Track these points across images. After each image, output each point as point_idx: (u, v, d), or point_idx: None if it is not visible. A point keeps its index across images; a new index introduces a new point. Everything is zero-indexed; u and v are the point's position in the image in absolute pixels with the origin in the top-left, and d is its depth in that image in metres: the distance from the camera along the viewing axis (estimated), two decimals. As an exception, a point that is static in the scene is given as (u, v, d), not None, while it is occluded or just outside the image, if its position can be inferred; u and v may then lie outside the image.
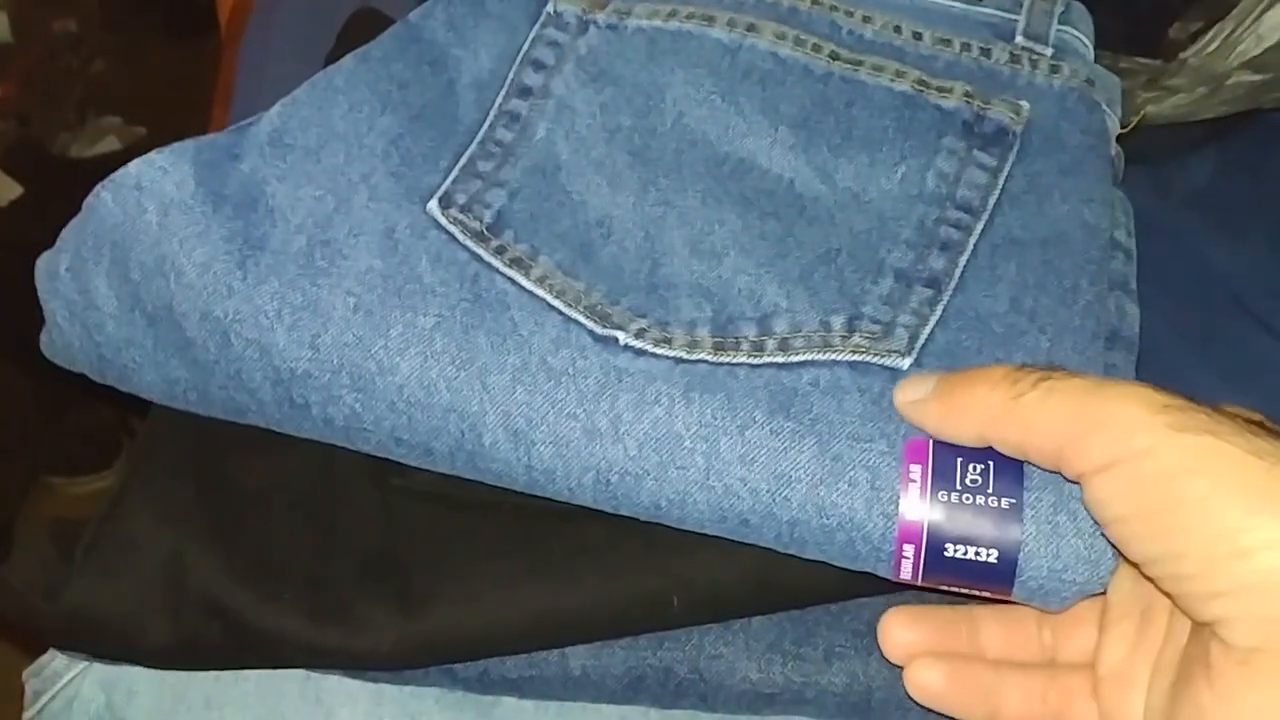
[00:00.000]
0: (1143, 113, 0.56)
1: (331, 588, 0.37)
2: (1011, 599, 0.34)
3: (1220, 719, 0.29)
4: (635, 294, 0.38)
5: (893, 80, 0.43)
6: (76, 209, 0.39)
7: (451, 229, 0.39)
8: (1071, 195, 0.41)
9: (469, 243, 0.38)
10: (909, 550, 0.33)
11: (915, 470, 0.33)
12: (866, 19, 0.45)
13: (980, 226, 0.40)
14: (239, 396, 0.37)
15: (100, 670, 0.40)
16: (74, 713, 0.40)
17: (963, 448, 0.33)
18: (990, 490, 0.33)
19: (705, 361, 0.36)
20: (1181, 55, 0.56)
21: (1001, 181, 0.41)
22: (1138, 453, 0.29)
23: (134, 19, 1.34)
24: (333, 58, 0.45)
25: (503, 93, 0.43)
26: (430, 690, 0.40)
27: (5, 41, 1.23)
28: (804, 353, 0.36)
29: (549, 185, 0.41)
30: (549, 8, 0.45)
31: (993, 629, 0.36)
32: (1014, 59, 0.45)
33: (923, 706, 0.35)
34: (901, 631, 0.36)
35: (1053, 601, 0.34)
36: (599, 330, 0.36)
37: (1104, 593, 0.34)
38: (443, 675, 0.39)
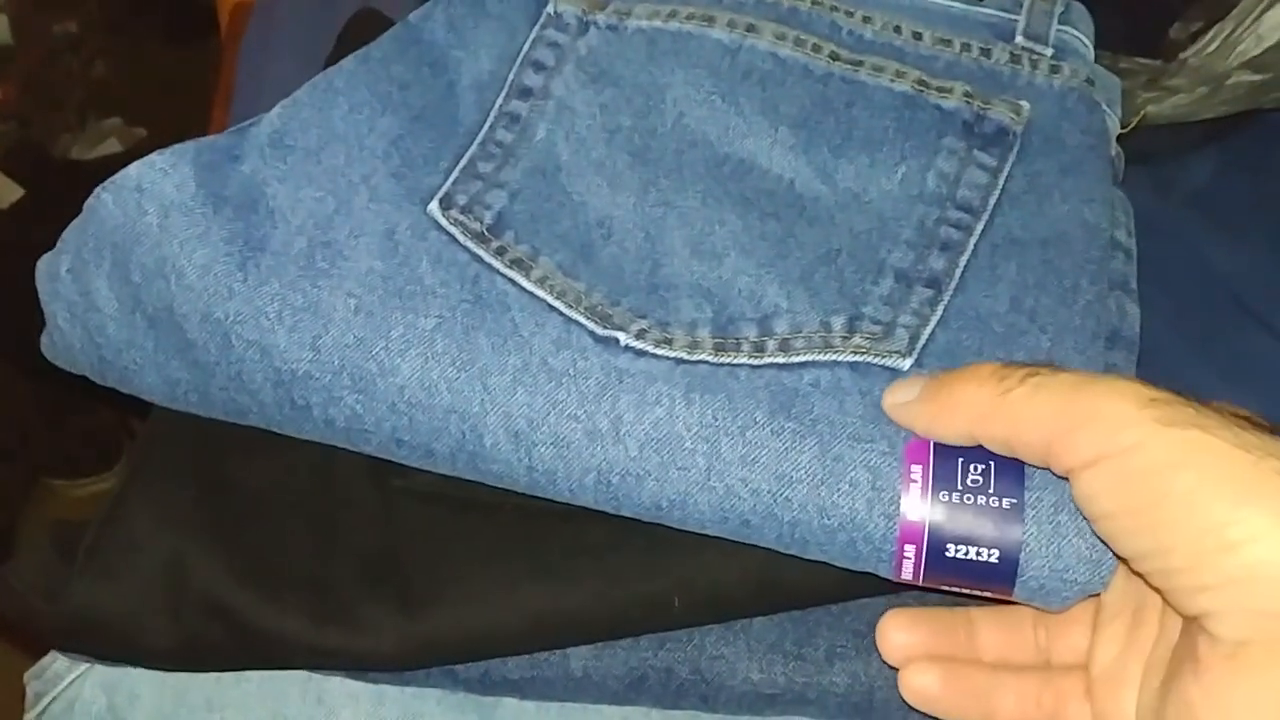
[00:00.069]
0: (1143, 113, 0.56)
1: (333, 589, 0.37)
2: (1013, 599, 0.34)
3: (1209, 713, 0.29)
4: (636, 295, 0.38)
5: (893, 80, 0.43)
6: (77, 211, 0.39)
7: (452, 230, 0.39)
8: (1072, 195, 0.41)
9: (469, 244, 0.38)
10: (910, 550, 0.33)
11: (916, 471, 0.33)
12: (866, 19, 0.45)
13: (980, 227, 0.40)
14: (240, 398, 0.37)
15: (102, 672, 0.40)
16: (76, 714, 0.40)
17: (964, 448, 0.34)
18: (991, 490, 0.33)
19: (706, 362, 0.36)
20: (1181, 55, 0.56)
21: (1002, 181, 0.41)
22: (1125, 448, 0.29)
23: (134, 21, 1.34)
24: (333, 59, 0.45)
25: (503, 94, 0.43)
26: (432, 691, 0.40)
27: (5, 43, 1.23)
28: (805, 353, 0.36)
29: (549, 186, 0.41)
30: (549, 9, 0.45)
31: (989, 631, 0.36)
32: (1014, 59, 0.45)
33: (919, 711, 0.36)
34: (899, 634, 0.36)
35: (1054, 601, 0.34)
36: (600, 331, 0.36)
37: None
38: (444, 676, 0.39)
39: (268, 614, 0.37)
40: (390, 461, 0.37)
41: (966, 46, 0.45)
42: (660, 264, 0.39)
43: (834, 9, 0.45)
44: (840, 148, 0.42)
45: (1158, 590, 0.31)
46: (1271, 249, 0.56)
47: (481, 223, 0.39)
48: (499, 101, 0.43)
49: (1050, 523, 0.33)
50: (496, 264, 0.38)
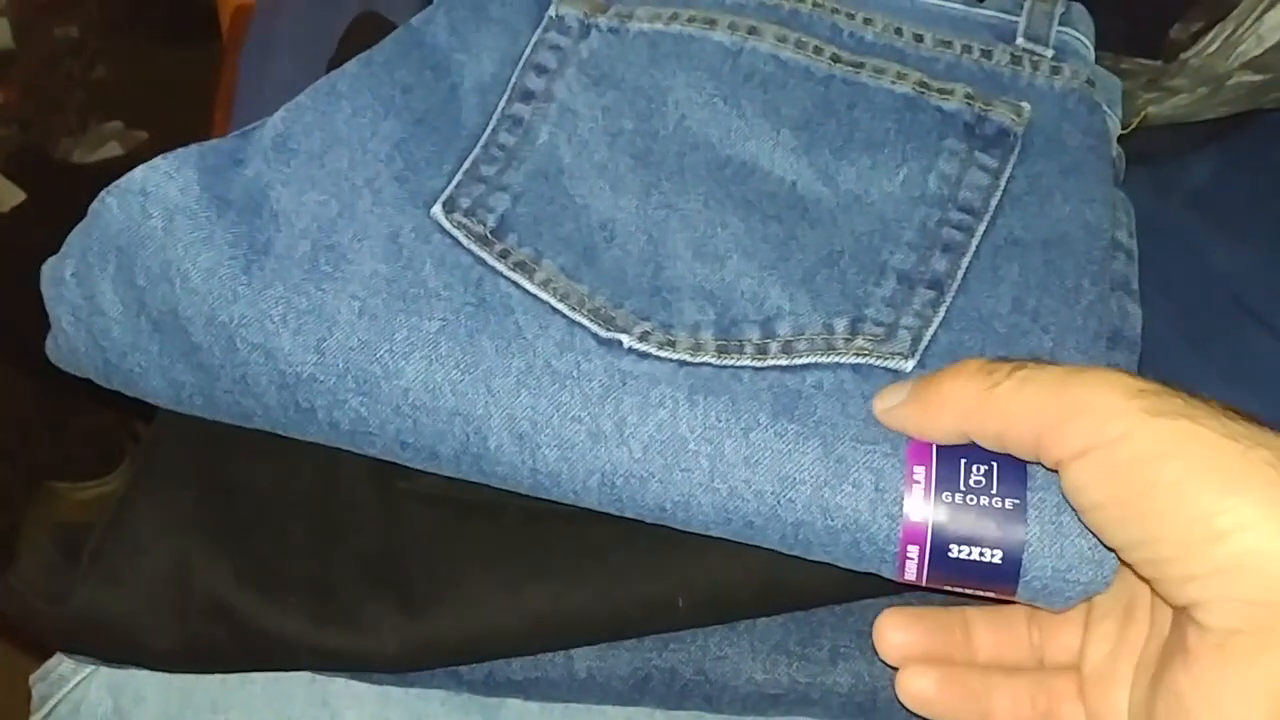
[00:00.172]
0: (1144, 113, 0.57)
1: (336, 590, 0.38)
2: (1016, 600, 0.34)
3: (1198, 704, 0.29)
4: (639, 297, 0.38)
5: (894, 82, 0.43)
6: (79, 214, 0.39)
7: (455, 233, 0.39)
8: (1073, 196, 0.41)
9: (473, 247, 0.38)
10: (913, 551, 0.33)
11: (919, 471, 0.33)
12: (867, 21, 0.45)
13: (982, 228, 0.40)
14: (244, 400, 0.37)
15: (107, 674, 0.41)
16: (81, 717, 0.40)
17: (966, 449, 0.34)
18: (994, 491, 0.33)
19: (709, 364, 0.36)
20: (1182, 56, 0.56)
21: (1003, 183, 0.41)
22: (1113, 438, 0.30)
23: (135, 24, 1.34)
24: (335, 63, 0.45)
25: (505, 97, 0.43)
26: (436, 692, 0.40)
27: (7, 47, 1.23)
28: (807, 355, 0.36)
29: (552, 189, 0.41)
30: (551, 11, 0.45)
31: (985, 630, 0.36)
32: (1015, 60, 0.45)
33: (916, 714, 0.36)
34: (896, 633, 0.36)
35: (1057, 602, 0.34)
36: (603, 333, 0.36)
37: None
38: (448, 677, 0.39)
39: (272, 615, 0.37)
40: (394, 464, 0.37)
41: (967, 48, 0.45)
42: (663, 266, 0.39)
43: (835, 11, 0.46)
44: (842, 150, 0.42)
45: (1147, 581, 0.31)
46: (1271, 249, 0.56)
47: (485, 226, 0.39)
48: (501, 104, 0.43)
49: (1053, 523, 0.33)
50: (500, 267, 0.38)
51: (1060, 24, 0.46)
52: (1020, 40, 0.45)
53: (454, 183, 0.40)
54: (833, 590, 0.37)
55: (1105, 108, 0.45)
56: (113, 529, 0.39)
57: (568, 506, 0.36)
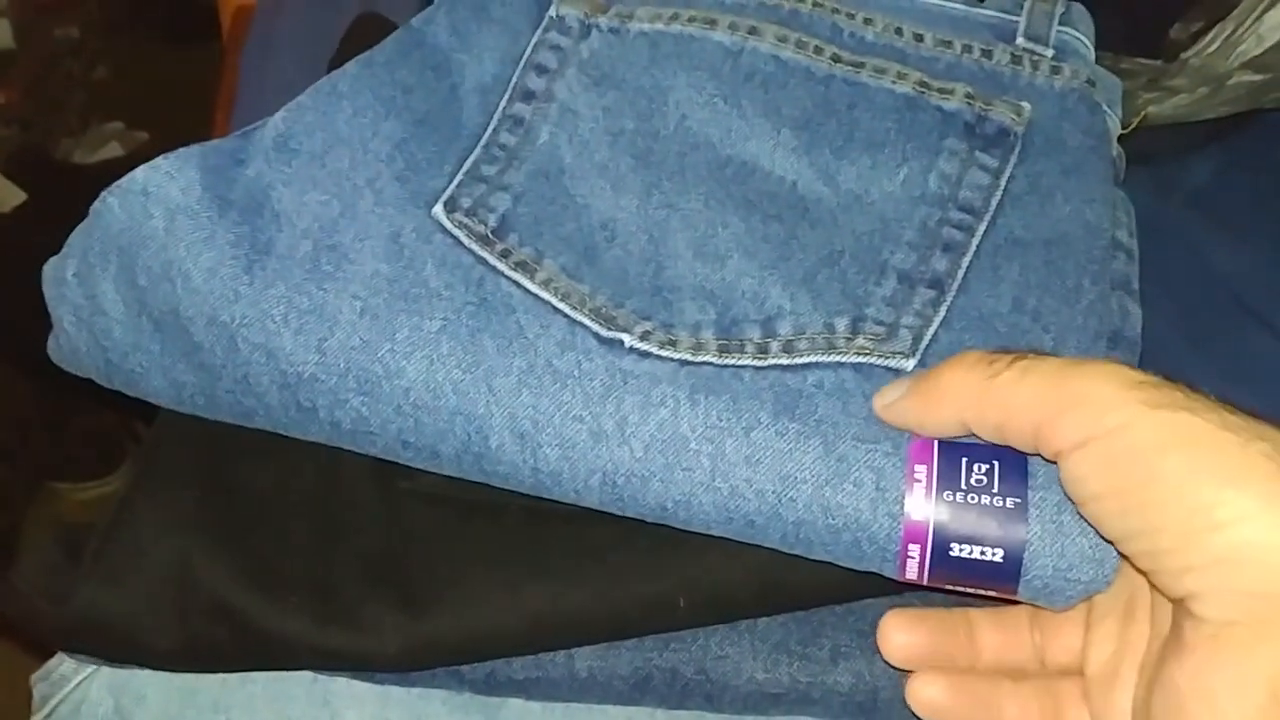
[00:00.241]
0: (1144, 113, 0.57)
1: (337, 590, 0.38)
2: (1017, 599, 0.34)
3: (1193, 697, 0.29)
4: (640, 297, 0.38)
5: (894, 82, 0.43)
6: (79, 215, 0.39)
7: (456, 233, 0.39)
8: (1073, 196, 0.41)
9: (474, 246, 0.38)
10: (914, 550, 0.33)
11: (920, 470, 0.34)
12: (868, 21, 0.45)
13: (983, 227, 0.40)
14: (246, 400, 0.37)
15: (108, 674, 0.41)
16: (82, 716, 0.40)
17: (967, 447, 0.34)
18: (995, 490, 0.33)
19: (710, 364, 0.36)
20: (1182, 56, 0.56)
21: (1003, 182, 0.41)
22: (1112, 429, 0.30)
23: (136, 24, 1.34)
24: (336, 63, 0.45)
25: (506, 97, 0.43)
26: (437, 692, 0.40)
27: (7, 47, 1.23)
28: (808, 355, 0.36)
29: (553, 189, 0.41)
30: (551, 12, 0.45)
31: (988, 631, 0.36)
32: (1015, 60, 0.45)
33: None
34: (900, 634, 0.36)
35: (1058, 601, 0.34)
36: (604, 333, 0.36)
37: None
38: (449, 677, 0.39)
39: (272, 615, 0.37)
40: (395, 463, 0.37)
41: (968, 48, 0.45)
42: (664, 266, 0.39)
43: (835, 11, 0.46)
44: (842, 149, 0.42)
45: (1144, 573, 0.31)
46: (1272, 249, 0.56)
47: (486, 225, 0.39)
48: (502, 104, 0.43)
49: (1054, 522, 0.33)
50: (501, 266, 0.38)
51: (1060, 24, 0.46)
52: (1020, 40, 0.45)
53: (455, 183, 0.40)
54: (834, 590, 0.37)
55: (1105, 107, 0.45)
56: (114, 529, 0.39)
57: (569, 506, 0.36)
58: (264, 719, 0.39)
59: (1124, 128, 0.46)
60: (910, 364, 0.36)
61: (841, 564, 0.35)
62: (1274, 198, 0.58)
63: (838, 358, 0.36)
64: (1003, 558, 0.33)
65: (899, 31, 0.45)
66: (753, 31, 0.44)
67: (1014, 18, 0.46)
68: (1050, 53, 0.45)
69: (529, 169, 0.41)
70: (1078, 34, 0.46)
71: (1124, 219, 0.44)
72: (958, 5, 0.47)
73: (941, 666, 0.36)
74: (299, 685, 0.40)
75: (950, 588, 0.34)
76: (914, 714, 0.36)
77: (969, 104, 0.43)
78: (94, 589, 0.38)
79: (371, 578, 0.38)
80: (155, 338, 0.37)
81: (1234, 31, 0.55)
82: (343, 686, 0.40)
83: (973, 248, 0.40)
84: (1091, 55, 0.46)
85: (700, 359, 0.36)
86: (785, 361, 0.36)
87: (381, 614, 0.37)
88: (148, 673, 0.40)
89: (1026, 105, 0.43)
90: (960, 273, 0.39)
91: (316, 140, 0.40)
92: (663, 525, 0.36)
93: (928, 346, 0.37)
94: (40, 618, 0.39)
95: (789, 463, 0.34)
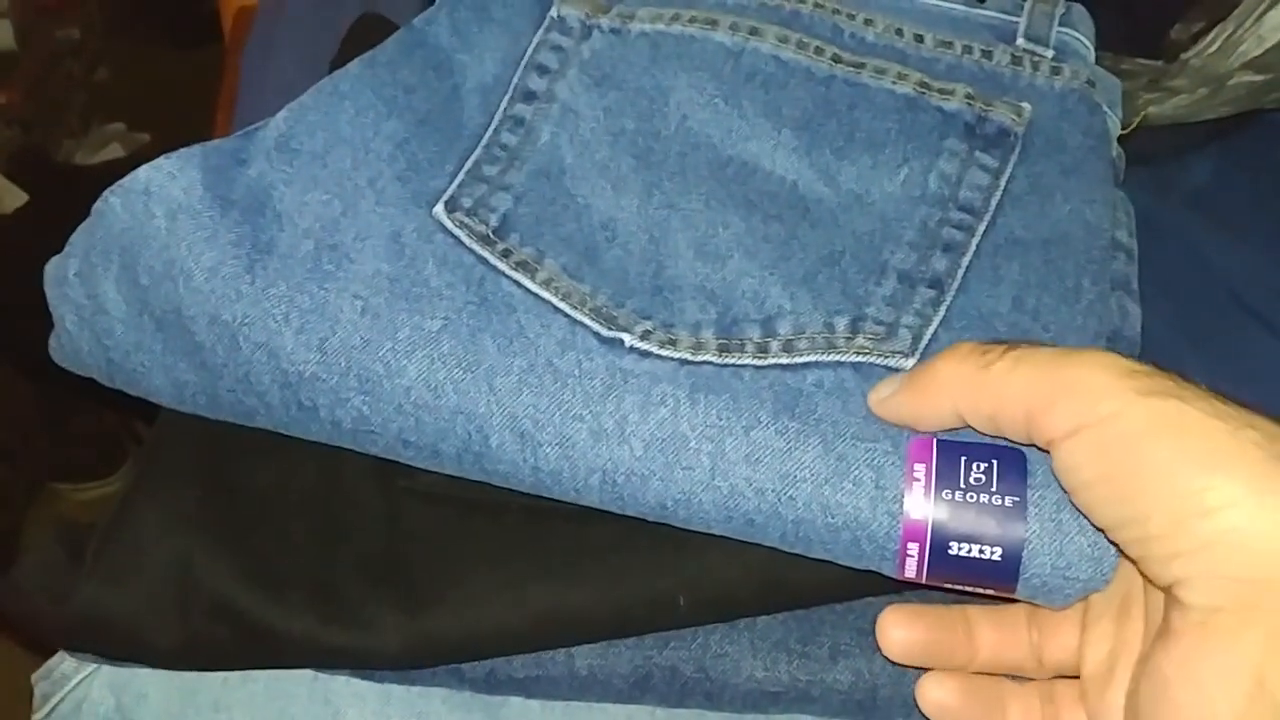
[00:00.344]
0: (1144, 114, 0.57)
1: (339, 589, 0.38)
2: (1016, 597, 0.34)
3: (1180, 684, 0.29)
4: (640, 296, 0.38)
5: (895, 83, 0.43)
6: (80, 216, 0.39)
7: (457, 232, 0.39)
8: (1073, 196, 0.41)
9: (475, 246, 0.38)
10: (914, 549, 0.33)
11: (919, 469, 0.34)
12: (868, 22, 0.46)
13: (983, 227, 0.40)
14: (247, 399, 0.37)
15: (109, 673, 0.41)
16: (83, 715, 0.40)
17: (966, 446, 0.34)
18: (994, 488, 0.33)
19: (710, 363, 0.36)
20: (1183, 56, 0.56)
21: (1003, 183, 0.41)
22: (1103, 417, 0.30)
23: (137, 26, 1.35)
24: (337, 63, 0.45)
25: (507, 97, 0.43)
26: (437, 690, 0.40)
27: (9, 49, 1.23)
28: (808, 354, 0.36)
29: (554, 189, 0.41)
30: (552, 12, 0.45)
31: (986, 629, 0.37)
32: (1015, 61, 0.45)
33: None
34: (899, 630, 0.36)
35: (1057, 599, 0.34)
36: (604, 332, 0.37)
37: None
38: (450, 675, 0.39)
39: (273, 614, 0.37)
40: (396, 462, 0.37)
41: (968, 49, 0.45)
42: (664, 266, 0.39)
43: (836, 12, 0.46)
44: (843, 150, 0.42)
45: (1134, 561, 0.31)
46: (1271, 249, 0.56)
47: (487, 225, 0.39)
48: (503, 105, 0.43)
49: (1053, 520, 0.33)
50: (502, 266, 0.38)
51: (1060, 24, 0.46)
52: (1020, 41, 0.46)
53: (456, 182, 0.40)
54: (833, 588, 0.37)
55: (1105, 108, 0.45)
56: (115, 528, 0.39)
57: (569, 505, 0.36)
58: (265, 717, 0.40)
59: (1124, 128, 0.46)
60: (910, 363, 0.36)
61: (841, 562, 0.35)
62: (1274, 198, 0.58)
63: (837, 357, 0.36)
64: (1001, 556, 0.33)
65: (899, 32, 0.45)
66: (754, 32, 0.44)
67: (1014, 19, 0.46)
68: (1050, 53, 0.45)
69: (530, 169, 0.41)
70: (1078, 35, 0.46)
71: (1124, 219, 0.44)
72: (958, 6, 0.47)
73: (939, 663, 0.36)
74: (300, 684, 0.40)
75: (949, 586, 0.34)
76: (913, 714, 0.37)
77: (969, 104, 0.43)
78: (95, 587, 0.38)
79: (372, 576, 0.38)
80: (157, 337, 0.38)
81: (1234, 32, 0.55)
82: (343, 685, 0.40)
83: (973, 247, 0.40)
84: (1091, 56, 0.46)
85: (700, 358, 0.36)
86: (785, 361, 0.36)
87: (382, 612, 0.37)
88: (149, 671, 0.40)
89: (1027, 106, 0.43)
90: (960, 272, 0.39)
91: (318, 140, 0.40)
92: (663, 524, 0.36)
93: (927, 346, 0.37)
94: (41, 616, 0.39)
95: (789, 461, 0.34)
